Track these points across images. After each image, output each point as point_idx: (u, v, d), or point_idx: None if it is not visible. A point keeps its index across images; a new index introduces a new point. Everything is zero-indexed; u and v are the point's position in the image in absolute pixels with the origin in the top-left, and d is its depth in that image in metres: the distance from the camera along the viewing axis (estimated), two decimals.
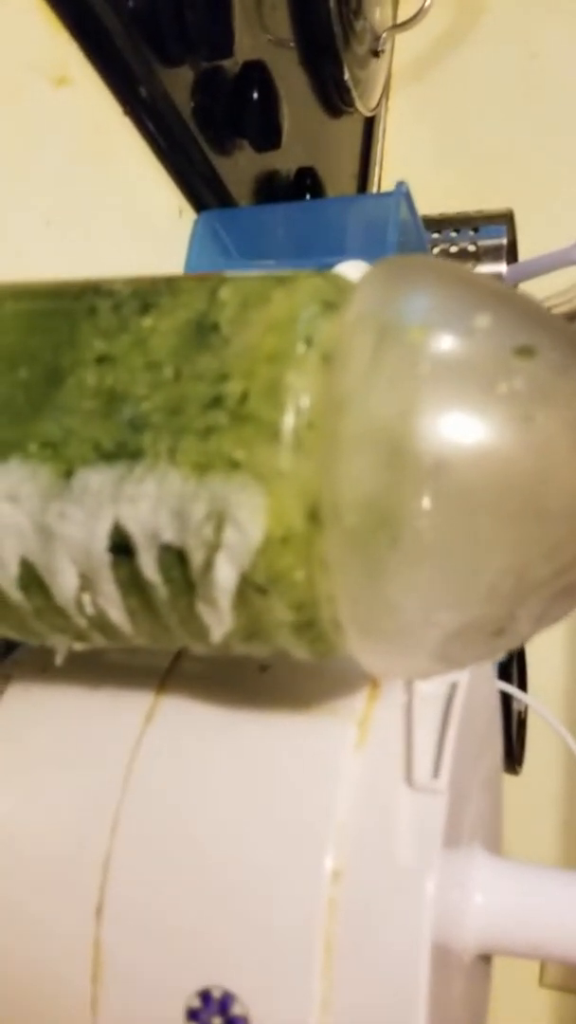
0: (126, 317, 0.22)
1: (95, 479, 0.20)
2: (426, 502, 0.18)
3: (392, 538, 0.18)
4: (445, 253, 0.54)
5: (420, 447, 0.18)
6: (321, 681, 0.25)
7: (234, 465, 0.19)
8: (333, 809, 0.22)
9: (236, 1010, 0.21)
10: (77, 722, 0.25)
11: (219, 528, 0.19)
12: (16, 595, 0.21)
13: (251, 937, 0.22)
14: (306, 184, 0.50)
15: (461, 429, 0.18)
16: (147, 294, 0.22)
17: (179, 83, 0.41)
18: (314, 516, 0.19)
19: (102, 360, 0.21)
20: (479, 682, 0.27)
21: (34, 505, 0.20)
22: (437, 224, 0.56)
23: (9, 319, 0.22)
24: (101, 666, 0.26)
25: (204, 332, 0.21)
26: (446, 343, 0.18)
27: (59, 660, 0.24)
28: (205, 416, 0.20)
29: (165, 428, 0.20)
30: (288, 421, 0.19)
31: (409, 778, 0.23)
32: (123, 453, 0.20)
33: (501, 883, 0.26)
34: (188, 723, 0.25)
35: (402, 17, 0.64)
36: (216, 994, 0.22)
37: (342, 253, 0.41)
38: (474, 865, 0.26)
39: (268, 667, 0.26)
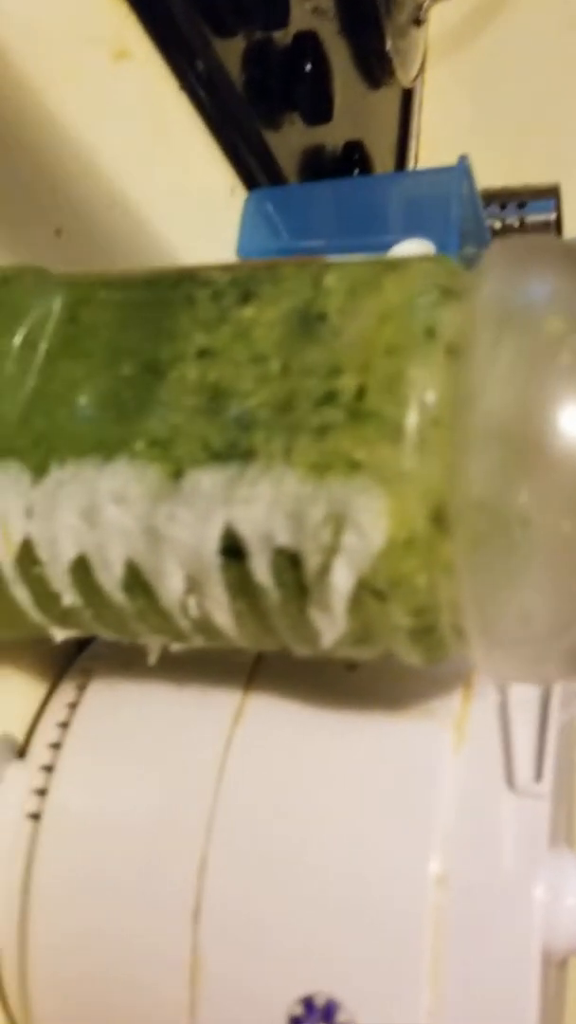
0: (226, 307, 0.21)
1: (206, 480, 0.19)
2: (564, 501, 0.17)
3: (525, 541, 0.17)
4: (491, 229, 0.53)
5: (558, 444, 0.17)
6: (413, 681, 0.25)
7: (355, 466, 0.18)
8: (435, 814, 0.22)
9: (341, 1018, 0.21)
10: (164, 721, 0.25)
11: (338, 531, 0.18)
12: (119, 596, 0.21)
13: (355, 943, 0.21)
14: (354, 158, 0.48)
15: None
16: (247, 282, 0.21)
17: (232, 55, 0.39)
18: (439, 518, 0.18)
19: (203, 354, 0.20)
20: None
21: (142, 507, 0.19)
22: (482, 200, 0.55)
23: (105, 310, 0.21)
24: (185, 663, 0.26)
25: (310, 322, 0.20)
26: None
27: (152, 660, 0.23)
28: (319, 413, 0.19)
29: (277, 426, 0.19)
30: (412, 418, 0.18)
31: (510, 782, 0.22)
32: (234, 453, 0.19)
33: None
34: (278, 724, 0.24)
35: None
36: (319, 1001, 0.21)
37: (398, 232, 0.40)
38: (565, 867, 0.26)
39: (356, 666, 0.25)
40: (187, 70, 0.37)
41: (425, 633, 0.19)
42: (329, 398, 0.19)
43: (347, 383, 0.19)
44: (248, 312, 0.21)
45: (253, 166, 0.42)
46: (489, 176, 0.61)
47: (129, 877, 0.23)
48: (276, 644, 0.21)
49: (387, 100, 0.61)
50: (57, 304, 0.21)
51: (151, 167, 0.36)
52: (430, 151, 0.66)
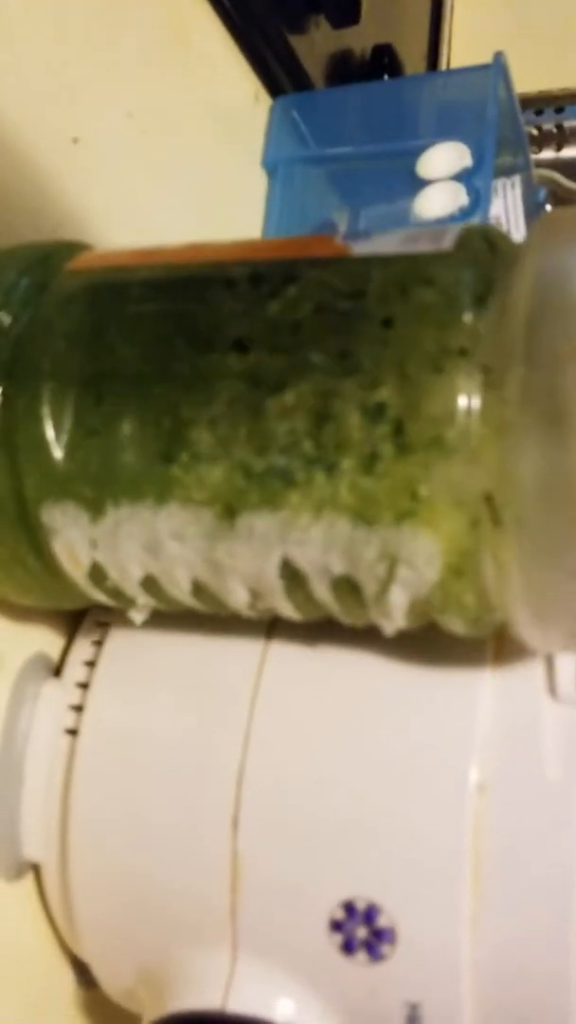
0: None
1: (259, 524, 0.19)
2: None
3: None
4: (528, 136, 0.51)
5: None
6: None
7: (403, 514, 0.18)
8: (475, 722, 0.22)
9: (382, 922, 0.21)
10: (198, 640, 0.24)
11: (392, 568, 0.18)
12: (190, 601, 0.21)
13: (396, 849, 0.21)
14: (383, 63, 0.46)
15: None
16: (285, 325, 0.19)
17: None
18: (492, 522, 0.18)
19: (234, 402, 0.19)
20: None
21: (201, 544, 0.20)
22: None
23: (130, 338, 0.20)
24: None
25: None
26: None
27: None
28: (362, 456, 0.18)
29: (321, 469, 0.18)
30: (456, 448, 0.17)
31: (552, 690, 0.22)
32: (283, 499, 0.19)
33: None
34: (312, 644, 0.24)
35: None
36: (360, 905, 0.21)
37: (431, 136, 0.39)
38: None
39: None
40: None
41: (481, 627, 0.20)
42: (369, 440, 0.18)
43: (387, 410, 0.18)
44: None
45: (277, 72, 0.40)
46: (524, 81, 0.58)
47: (167, 788, 0.23)
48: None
49: (416, 2, 0.58)
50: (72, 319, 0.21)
51: (170, 74, 0.35)
52: (462, 55, 0.64)
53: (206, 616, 0.24)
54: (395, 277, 0.19)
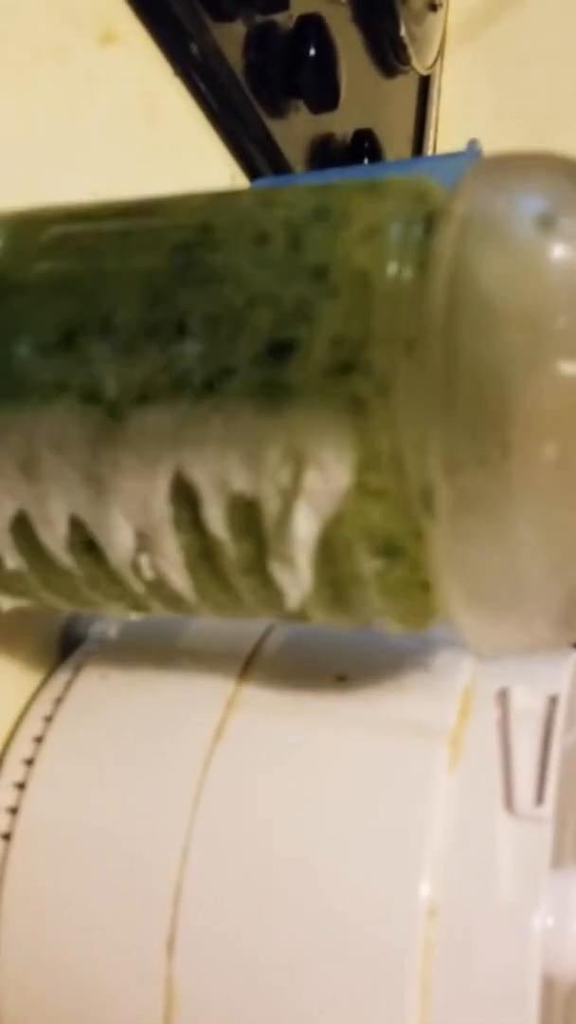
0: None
1: (151, 420, 0.17)
2: (548, 422, 0.15)
3: (505, 476, 0.15)
4: None
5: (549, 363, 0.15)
6: (406, 693, 0.23)
7: (315, 398, 0.16)
8: (426, 838, 0.20)
9: None
10: (140, 738, 0.23)
11: (298, 473, 0.16)
12: (65, 559, 0.19)
13: (340, 977, 0.20)
14: (364, 147, 0.47)
15: None
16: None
17: (232, 40, 0.38)
18: (407, 458, 0.16)
19: (147, 281, 0.18)
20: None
21: (83, 455, 0.17)
22: None
23: (49, 247, 0.19)
24: (164, 676, 0.24)
25: (266, 245, 0.18)
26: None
27: (112, 631, 0.21)
28: (276, 338, 0.16)
29: (226, 354, 0.17)
30: (381, 350, 0.16)
31: (509, 804, 0.21)
32: (181, 387, 0.17)
33: None
34: (260, 740, 0.23)
35: None
36: None
37: None
38: (572, 889, 0.24)
39: (346, 677, 0.24)
40: (181, 55, 0.35)
41: (399, 590, 0.17)
42: (286, 325, 0.16)
43: (308, 310, 0.16)
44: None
45: (255, 155, 0.41)
46: None
47: (101, 905, 0.22)
48: (240, 611, 0.19)
49: (403, 87, 0.59)
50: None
51: (145, 156, 0.35)
52: (448, 140, 0.65)
53: (153, 707, 0.23)
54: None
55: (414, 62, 0.56)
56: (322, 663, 0.24)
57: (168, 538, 0.18)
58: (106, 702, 0.24)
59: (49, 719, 0.25)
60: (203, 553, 0.18)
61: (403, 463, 0.16)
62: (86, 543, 0.19)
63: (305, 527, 0.17)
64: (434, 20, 0.60)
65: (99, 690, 0.25)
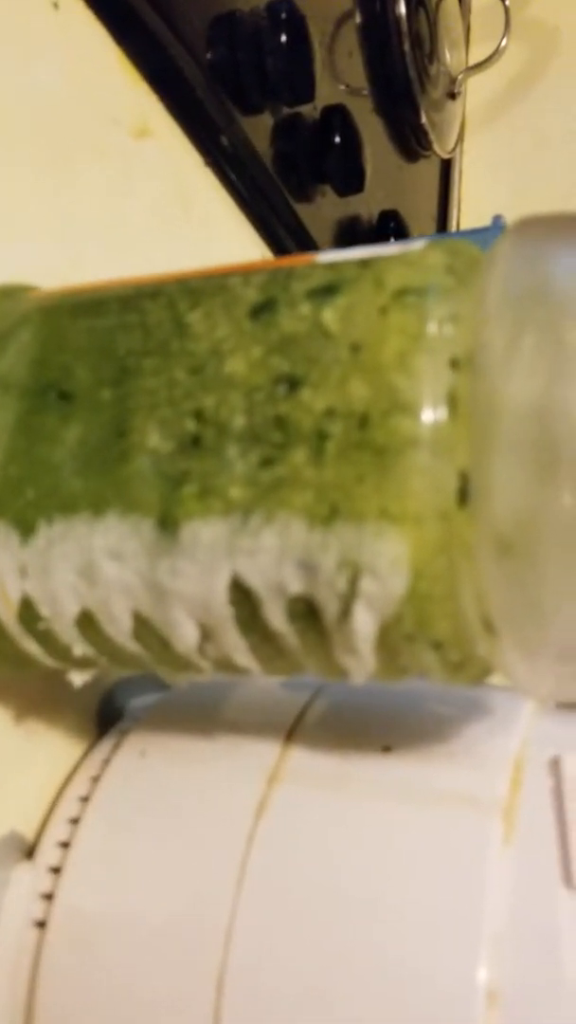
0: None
1: (205, 532, 0.17)
2: None
3: (563, 547, 0.15)
4: None
5: None
6: (455, 764, 0.22)
7: (363, 513, 0.16)
8: (483, 918, 0.19)
9: None
10: (181, 819, 0.23)
11: (354, 579, 0.16)
12: (132, 646, 0.19)
13: None
14: (389, 227, 0.48)
15: None
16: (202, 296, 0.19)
17: (260, 131, 0.39)
18: (463, 549, 0.16)
19: (175, 386, 0.18)
20: None
21: (141, 562, 0.18)
22: None
23: (75, 346, 0.20)
24: (203, 754, 0.24)
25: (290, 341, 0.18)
26: None
27: (151, 704, 0.21)
28: (315, 448, 0.17)
29: (270, 469, 0.17)
30: (423, 449, 0.16)
31: (568, 879, 0.20)
32: (230, 502, 0.17)
33: None
34: (305, 817, 0.22)
35: (476, 58, 0.63)
36: None
37: None
38: None
39: (391, 747, 0.23)
40: (211, 146, 0.37)
41: (460, 666, 0.17)
42: (323, 434, 0.17)
43: (343, 408, 0.16)
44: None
45: (284, 237, 0.42)
46: None
47: (139, 996, 0.21)
48: (302, 674, 0.19)
49: (426, 170, 0.61)
50: (26, 336, 0.20)
51: (178, 242, 0.36)
52: (472, 221, 0.66)
53: (193, 784, 0.23)
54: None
55: (435, 147, 0.58)
56: (367, 733, 0.23)
57: (231, 631, 0.18)
58: (145, 781, 0.24)
59: (86, 799, 0.24)
60: (267, 642, 0.18)
61: (455, 570, 0.16)
62: (152, 634, 0.19)
63: (365, 626, 0.17)
64: (453, 107, 0.62)
65: (137, 768, 0.24)
